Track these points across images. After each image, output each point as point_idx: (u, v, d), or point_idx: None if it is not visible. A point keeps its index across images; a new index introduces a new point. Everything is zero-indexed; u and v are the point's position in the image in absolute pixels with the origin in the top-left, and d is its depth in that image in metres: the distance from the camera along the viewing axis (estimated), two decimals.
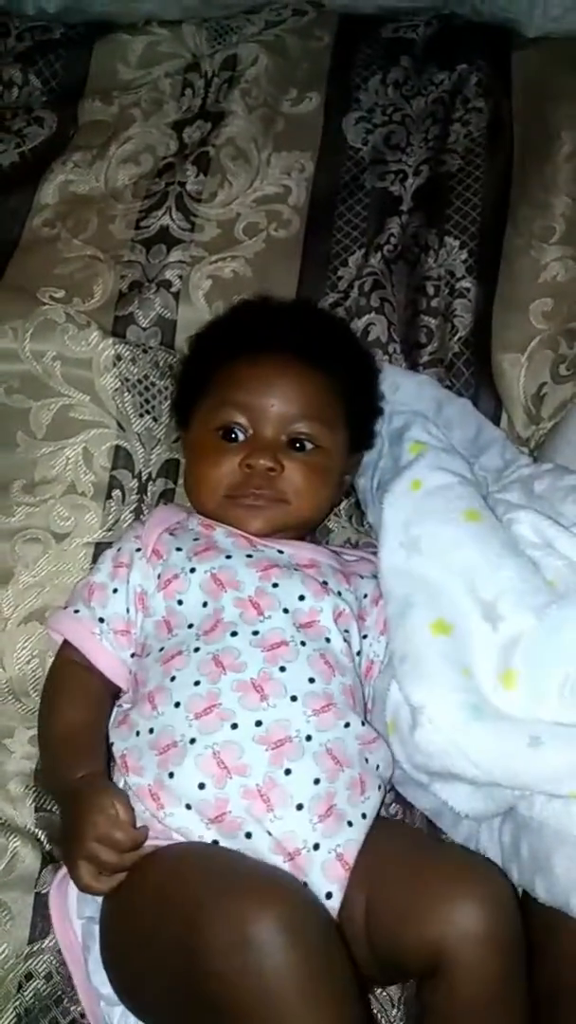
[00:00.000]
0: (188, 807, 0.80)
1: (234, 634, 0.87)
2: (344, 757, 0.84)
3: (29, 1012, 0.85)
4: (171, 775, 0.81)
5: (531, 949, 0.79)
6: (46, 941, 0.87)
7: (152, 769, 0.82)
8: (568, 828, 0.82)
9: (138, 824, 0.81)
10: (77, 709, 0.91)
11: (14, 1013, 0.85)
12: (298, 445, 0.98)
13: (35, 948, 0.87)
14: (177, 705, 0.84)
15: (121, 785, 0.84)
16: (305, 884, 0.78)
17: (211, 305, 1.20)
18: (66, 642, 0.94)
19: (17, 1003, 0.85)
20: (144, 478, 1.08)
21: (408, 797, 0.94)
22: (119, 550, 0.97)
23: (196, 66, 1.40)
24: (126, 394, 1.10)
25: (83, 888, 0.80)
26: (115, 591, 0.94)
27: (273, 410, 0.97)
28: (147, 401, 1.11)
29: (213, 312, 1.19)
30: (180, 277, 1.21)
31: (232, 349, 1.02)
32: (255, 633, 0.87)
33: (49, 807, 0.93)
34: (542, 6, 1.37)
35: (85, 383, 1.10)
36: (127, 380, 1.11)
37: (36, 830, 0.92)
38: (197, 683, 0.85)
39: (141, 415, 1.10)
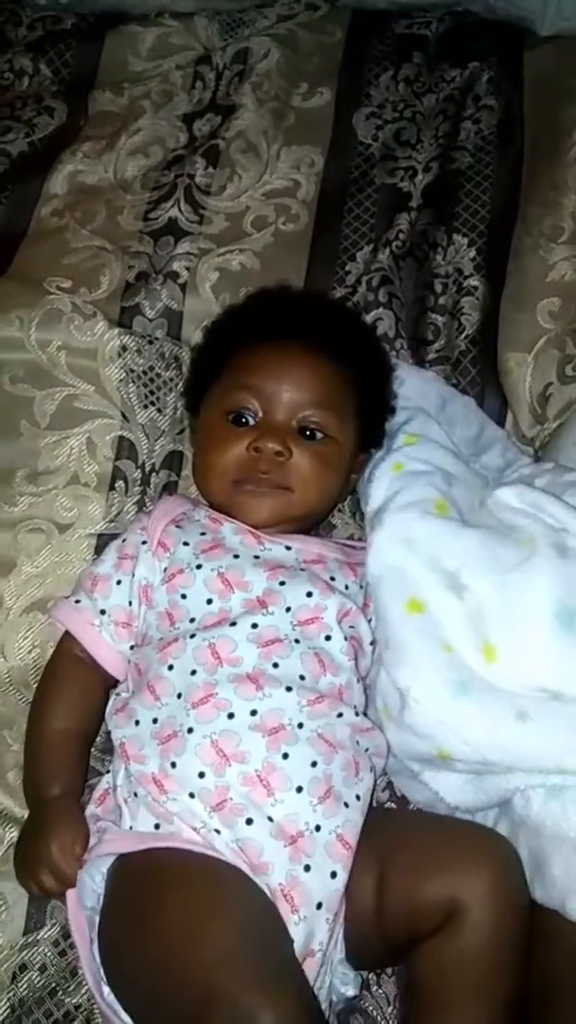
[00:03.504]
0: (191, 795, 0.80)
1: (233, 624, 0.87)
2: (336, 740, 0.84)
3: (23, 1003, 0.84)
4: (173, 765, 0.82)
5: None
6: (41, 932, 0.87)
7: (155, 758, 0.82)
8: (566, 831, 0.82)
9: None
10: (70, 715, 0.91)
11: (7, 1004, 0.84)
12: (308, 433, 0.97)
13: (30, 939, 0.86)
14: (179, 696, 0.84)
15: (122, 772, 0.84)
16: (308, 868, 0.78)
17: (218, 297, 1.19)
18: (67, 633, 0.94)
19: (11, 994, 0.84)
20: (148, 469, 1.08)
21: (402, 789, 0.94)
22: (124, 541, 0.97)
23: (207, 59, 1.40)
24: (131, 385, 1.10)
25: (23, 885, 0.85)
26: (119, 583, 0.94)
27: (285, 395, 0.96)
28: (152, 392, 1.11)
29: (220, 304, 1.18)
30: (187, 269, 1.20)
31: (248, 335, 1.01)
32: (253, 626, 0.87)
33: None
34: (555, 5, 1.36)
35: (90, 373, 1.09)
36: (132, 371, 1.10)
37: None
38: (194, 672, 0.85)
39: (145, 406, 1.10)
